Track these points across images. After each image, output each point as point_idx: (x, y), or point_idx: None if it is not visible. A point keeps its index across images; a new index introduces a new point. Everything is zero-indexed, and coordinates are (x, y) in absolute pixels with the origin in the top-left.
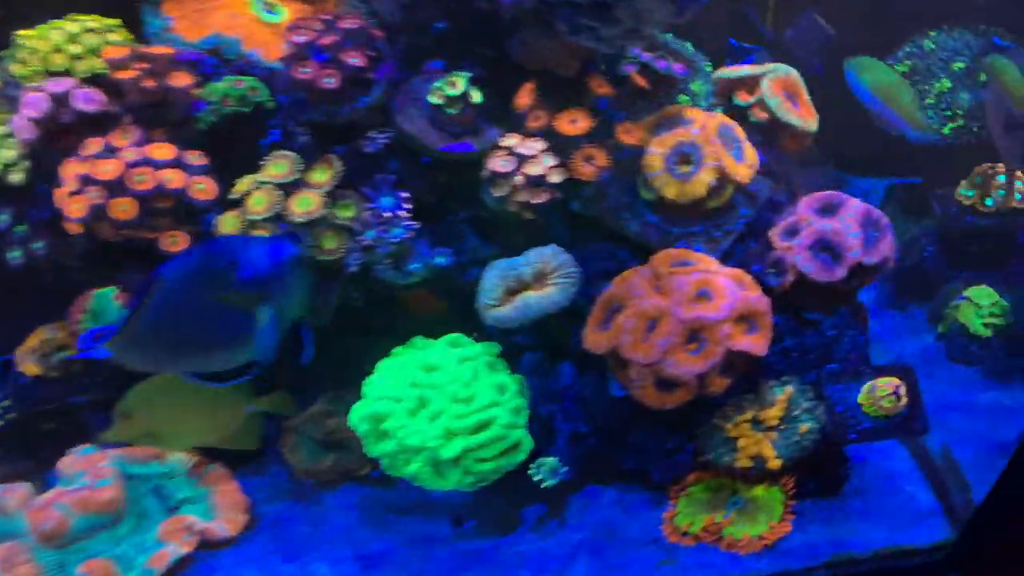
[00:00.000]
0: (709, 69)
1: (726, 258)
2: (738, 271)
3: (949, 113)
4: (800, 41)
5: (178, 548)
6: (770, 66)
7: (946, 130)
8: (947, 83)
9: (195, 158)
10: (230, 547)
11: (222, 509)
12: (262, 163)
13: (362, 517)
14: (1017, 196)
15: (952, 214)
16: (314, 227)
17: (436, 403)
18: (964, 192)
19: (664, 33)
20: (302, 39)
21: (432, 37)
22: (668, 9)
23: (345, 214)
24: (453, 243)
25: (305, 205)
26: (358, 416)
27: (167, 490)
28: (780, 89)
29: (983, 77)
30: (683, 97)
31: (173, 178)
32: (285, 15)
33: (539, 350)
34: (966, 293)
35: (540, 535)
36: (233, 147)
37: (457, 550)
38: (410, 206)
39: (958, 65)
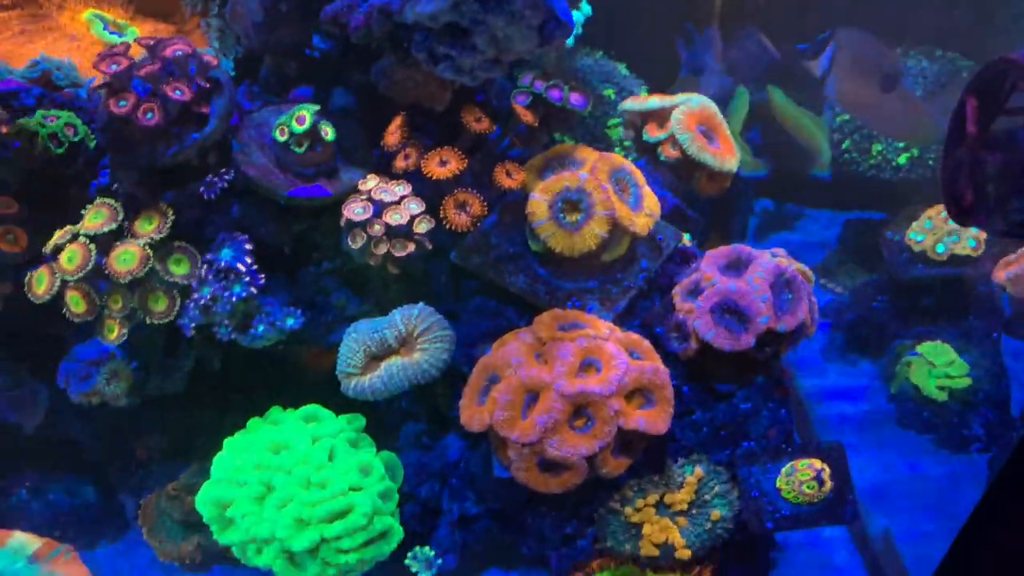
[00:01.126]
0: (644, 94)
1: (626, 317)
2: (633, 336)
3: (902, 144)
4: (742, 63)
5: None
6: (681, 97)
7: (901, 160)
8: None
9: (2, 205)
10: None
11: None
12: (84, 212)
13: None
14: (970, 243)
15: (902, 261)
16: (140, 286)
17: (284, 489)
18: (914, 237)
19: (592, 55)
20: (116, 68)
21: (299, 63)
22: (531, 38)
23: (177, 270)
24: (316, 298)
25: (127, 262)
26: (202, 499)
27: None
28: (694, 123)
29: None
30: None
31: None
32: (135, 36)
33: (421, 419)
34: (919, 349)
35: None
36: (59, 192)
37: None
38: (251, 260)
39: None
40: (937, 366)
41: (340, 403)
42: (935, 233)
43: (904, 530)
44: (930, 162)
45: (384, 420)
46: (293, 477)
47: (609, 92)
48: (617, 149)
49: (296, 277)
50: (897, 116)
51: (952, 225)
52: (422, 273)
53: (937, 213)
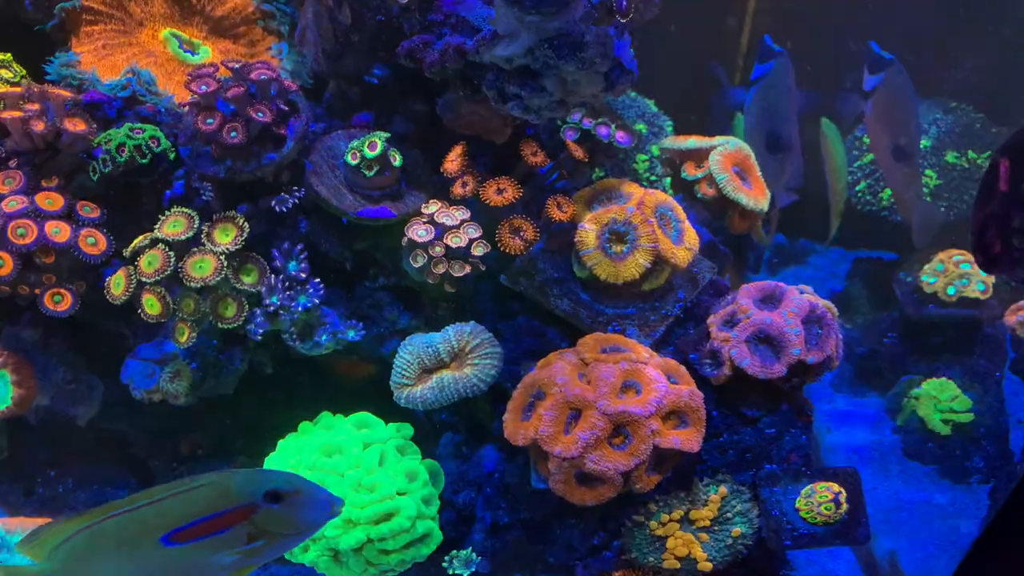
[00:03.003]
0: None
1: (661, 343)
2: (671, 362)
3: None
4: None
5: None
6: (719, 139)
7: None
8: None
9: (87, 210)
10: None
11: None
12: (160, 219)
13: None
14: (979, 286)
15: (914, 301)
16: (211, 292)
17: (336, 490)
18: (926, 279)
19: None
20: (205, 89)
21: (362, 88)
22: (598, 82)
23: (247, 279)
24: (370, 312)
25: (202, 269)
26: None
27: None
28: (730, 164)
29: (950, 158)
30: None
31: (60, 231)
32: (207, 55)
33: (461, 431)
34: (925, 385)
35: None
36: (133, 199)
37: None
38: (307, 275)
39: (924, 143)
40: (942, 401)
41: (375, 410)
42: (946, 276)
43: (908, 553)
44: (943, 208)
45: (423, 429)
46: (345, 480)
47: (641, 127)
48: (645, 183)
49: (353, 291)
50: (897, 187)
51: (962, 269)
52: (470, 294)
53: (948, 257)
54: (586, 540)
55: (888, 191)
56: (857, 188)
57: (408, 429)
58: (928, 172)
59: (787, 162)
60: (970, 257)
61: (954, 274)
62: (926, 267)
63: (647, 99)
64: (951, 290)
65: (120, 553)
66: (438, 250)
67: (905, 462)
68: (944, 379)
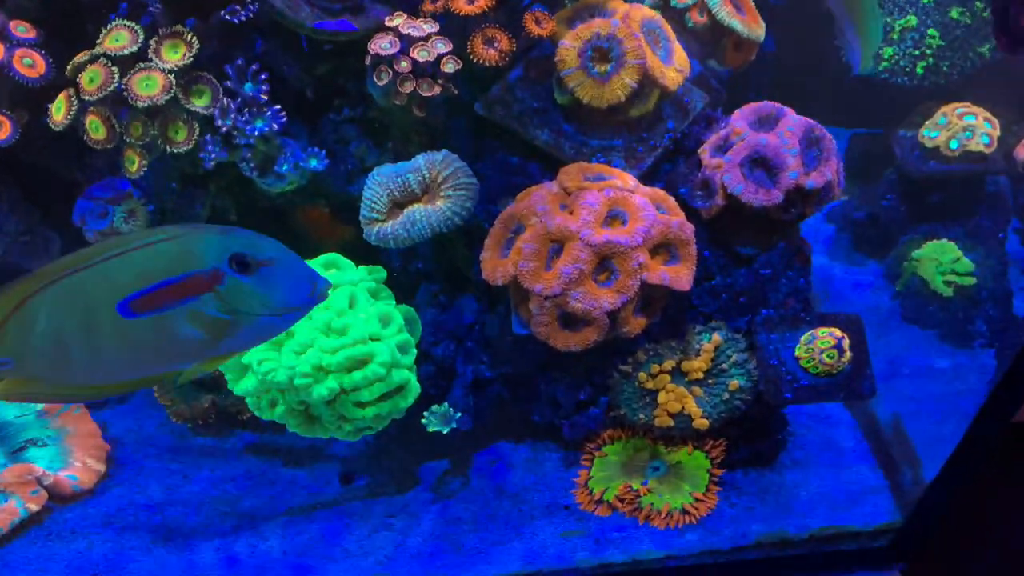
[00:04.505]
0: None
1: (649, 178)
2: (659, 192)
3: (917, 52)
4: None
5: (25, 505)
6: None
7: (918, 70)
8: (913, 20)
9: (21, 30)
10: (80, 502)
11: (76, 456)
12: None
13: (238, 469)
14: (984, 139)
15: (914, 158)
16: (160, 115)
17: (304, 333)
18: (927, 134)
19: None
20: None
21: None
22: None
23: (199, 102)
24: (336, 148)
25: (149, 88)
26: None
27: (11, 428)
28: None
29: (954, 14)
30: None
31: None
32: None
33: (438, 279)
34: (926, 247)
35: (438, 496)
36: (76, 25)
37: (342, 511)
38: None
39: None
40: (943, 263)
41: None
42: (949, 129)
43: (912, 419)
44: (945, 68)
45: (400, 281)
46: (313, 321)
47: None
48: None
49: (317, 125)
50: None
51: (966, 121)
52: (443, 127)
53: (952, 110)
54: (572, 395)
55: (890, 50)
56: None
57: (381, 272)
58: (930, 31)
59: None
60: (975, 109)
61: (957, 127)
62: (927, 122)
63: None
64: (954, 144)
65: (74, 322)
66: (404, 65)
67: (904, 327)
68: (945, 240)
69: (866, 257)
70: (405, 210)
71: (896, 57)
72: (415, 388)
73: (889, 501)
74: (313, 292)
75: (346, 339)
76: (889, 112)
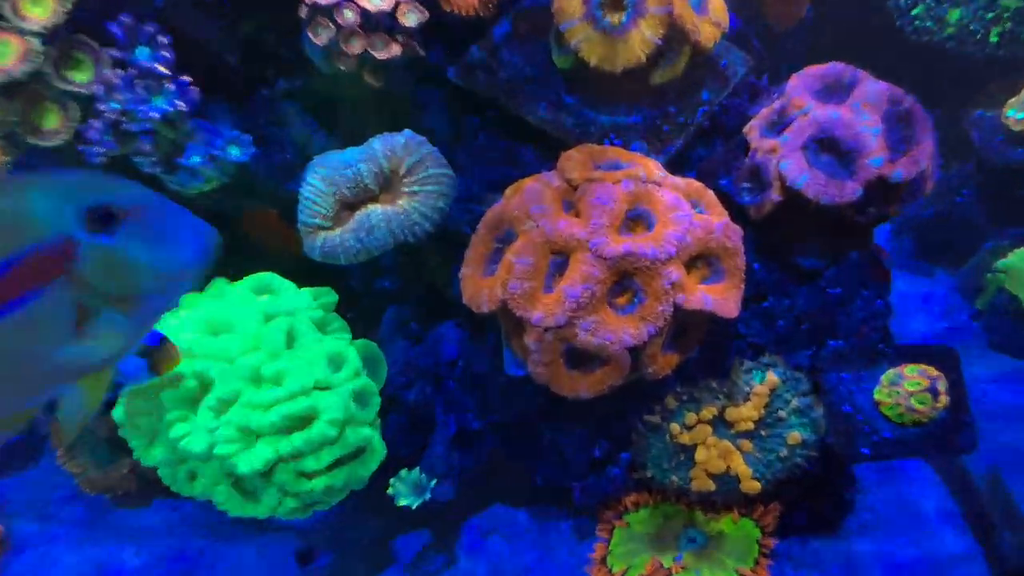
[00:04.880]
0: None
1: (678, 165)
2: (694, 183)
3: (991, 16)
4: None
5: None
6: None
7: (992, 37)
8: None
9: None
10: None
11: None
12: None
13: (171, 549)
14: None
15: (995, 145)
16: (22, 93)
17: (225, 384)
18: (1013, 114)
19: None
20: None
21: None
22: None
23: (78, 77)
24: (271, 131)
25: (2, 57)
26: (118, 404)
27: None
28: None
29: None
30: None
31: None
32: None
33: (408, 302)
34: (1013, 256)
35: None
36: None
37: None
38: (170, 70)
39: None
40: None
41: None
42: None
43: (1009, 468)
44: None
45: (362, 306)
46: (237, 368)
47: None
48: None
49: (245, 103)
50: None
51: None
52: (410, 101)
53: None
54: (583, 452)
55: (956, 12)
56: (914, 11)
57: (330, 296)
58: None
59: None
60: None
61: None
62: (1012, 100)
63: None
64: None
65: None
66: (348, 16)
67: (990, 355)
68: None
69: (933, 266)
70: (357, 212)
71: (964, 21)
72: (379, 450)
73: (983, 573)
74: (206, 242)
75: (281, 391)
76: (956, 88)
